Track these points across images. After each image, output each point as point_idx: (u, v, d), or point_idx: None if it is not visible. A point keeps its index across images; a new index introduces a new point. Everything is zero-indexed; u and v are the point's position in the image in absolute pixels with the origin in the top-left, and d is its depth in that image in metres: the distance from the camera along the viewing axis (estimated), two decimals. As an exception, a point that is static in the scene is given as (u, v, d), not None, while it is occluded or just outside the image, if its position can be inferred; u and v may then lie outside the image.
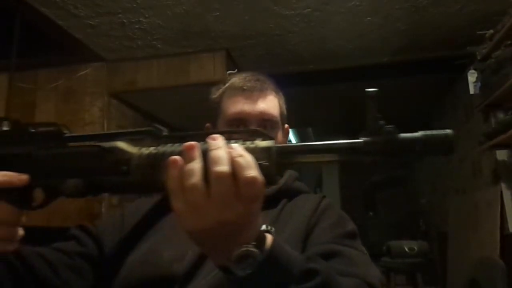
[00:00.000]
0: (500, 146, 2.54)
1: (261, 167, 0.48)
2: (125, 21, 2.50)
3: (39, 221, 2.78)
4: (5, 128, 0.59)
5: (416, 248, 3.42)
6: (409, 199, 5.32)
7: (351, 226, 0.79)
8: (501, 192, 2.58)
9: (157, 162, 0.52)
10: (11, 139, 0.59)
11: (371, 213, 5.52)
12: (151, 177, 0.52)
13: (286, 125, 0.97)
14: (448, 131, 0.49)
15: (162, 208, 0.83)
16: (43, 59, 2.93)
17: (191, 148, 0.49)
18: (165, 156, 0.51)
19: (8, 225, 0.56)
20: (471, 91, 2.68)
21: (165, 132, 0.56)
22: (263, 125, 0.87)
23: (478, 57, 2.56)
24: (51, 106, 2.99)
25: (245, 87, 0.89)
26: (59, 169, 0.57)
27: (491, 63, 2.40)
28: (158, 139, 0.55)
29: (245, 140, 0.52)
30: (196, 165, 0.47)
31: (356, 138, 0.51)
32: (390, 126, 0.50)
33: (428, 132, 0.50)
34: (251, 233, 0.49)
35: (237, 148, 0.49)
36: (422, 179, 5.10)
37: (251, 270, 0.48)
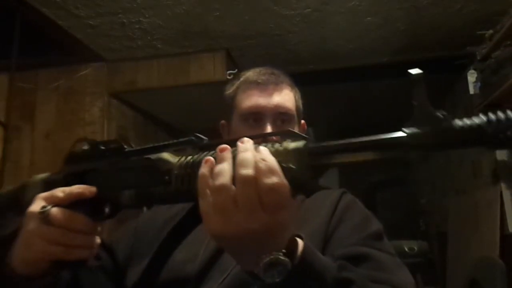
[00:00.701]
0: (500, 146, 2.54)
1: (288, 172, 0.45)
2: (125, 21, 2.50)
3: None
4: (85, 147, 0.67)
5: (416, 248, 3.42)
6: (409, 199, 5.32)
7: (376, 225, 0.75)
8: (501, 192, 2.58)
9: (194, 170, 0.52)
10: (87, 157, 0.66)
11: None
12: (188, 185, 0.52)
13: (303, 121, 0.94)
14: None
15: (178, 217, 0.82)
16: (43, 59, 2.93)
17: (223, 149, 0.48)
18: (200, 163, 0.51)
19: (86, 234, 0.59)
20: (471, 91, 2.68)
21: (205, 140, 0.57)
22: (278, 119, 0.85)
23: (478, 57, 2.56)
24: (51, 106, 2.99)
25: (259, 81, 0.88)
26: (119, 182, 0.61)
27: (490, 63, 2.40)
28: (199, 148, 0.56)
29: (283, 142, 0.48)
30: (226, 166, 0.46)
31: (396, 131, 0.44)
32: (442, 112, 0.42)
33: (487, 117, 0.41)
34: (281, 240, 0.47)
35: (263, 151, 0.47)
36: (422, 179, 5.09)
37: (280, 278, 0.45)
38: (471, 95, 2.70)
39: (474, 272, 2.28)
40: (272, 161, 0.45)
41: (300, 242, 0.50)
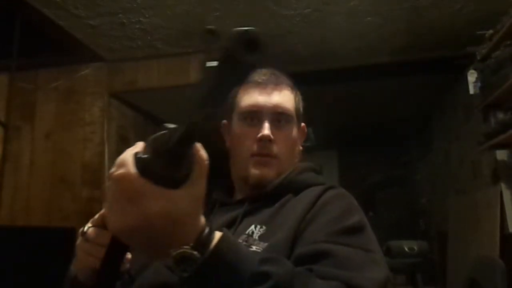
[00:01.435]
0: (500, 146, 2.54)
1: (139, 161, 0.45)
2: (125, 21, 2.50)
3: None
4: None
5: (416, 248, 3.42)
6: (409, 199, 5.32)
7: (354, 219, 0.72)
8: (501, 192, 2.58)
9: None
10: None
11: (371, 213, 5.52)
12: None
13: (303, 124, 0.94)
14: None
15: None
16: (43, 59, 2.93)
17: None
18: None
19: None
20: (471, 91, 2.68)
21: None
22: (277, 119, 0.86)
23: (478, 57, 2.56)
24: (51, 106, 2.99)
25: (260, 80, 0.88)
26: None
27: (490, 63, 2.41)
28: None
29: None
30: (112, 169, 0.48)
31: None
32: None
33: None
34: (187, 234, 0.47)
35: (130, 148, 0.48)
36: (422, 179, 5.10)
37: (191, 272, 0.46)
38: (471, 95, 2.70)
39: (474, 272, 2.27)
40: (125, 154, 0.46)
41: (216, 236, 0.49)
